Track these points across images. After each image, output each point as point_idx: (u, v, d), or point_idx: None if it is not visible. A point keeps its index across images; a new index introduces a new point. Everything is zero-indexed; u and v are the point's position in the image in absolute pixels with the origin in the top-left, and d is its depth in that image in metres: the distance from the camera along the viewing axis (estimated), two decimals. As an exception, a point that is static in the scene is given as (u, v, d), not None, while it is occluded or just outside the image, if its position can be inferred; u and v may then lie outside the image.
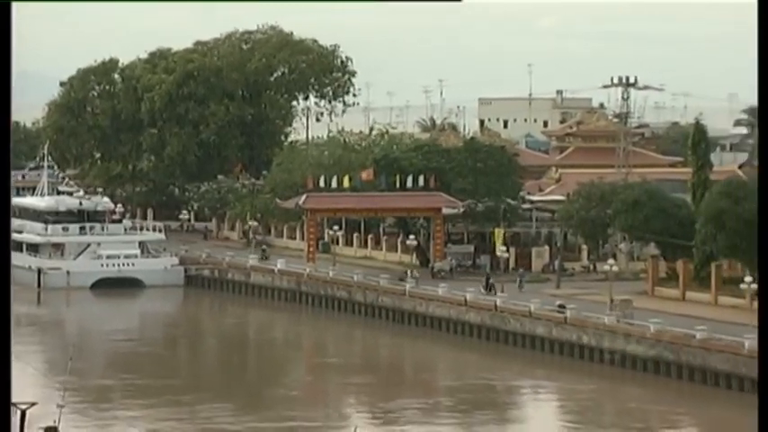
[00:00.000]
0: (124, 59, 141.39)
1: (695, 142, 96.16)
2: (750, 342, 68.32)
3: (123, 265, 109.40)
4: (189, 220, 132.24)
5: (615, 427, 65.68)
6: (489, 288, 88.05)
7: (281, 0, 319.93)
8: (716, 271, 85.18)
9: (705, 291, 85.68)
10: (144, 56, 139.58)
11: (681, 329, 73.45)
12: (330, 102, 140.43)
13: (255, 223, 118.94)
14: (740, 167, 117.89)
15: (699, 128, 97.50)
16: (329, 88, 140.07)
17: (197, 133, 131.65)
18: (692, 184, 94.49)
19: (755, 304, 77.33)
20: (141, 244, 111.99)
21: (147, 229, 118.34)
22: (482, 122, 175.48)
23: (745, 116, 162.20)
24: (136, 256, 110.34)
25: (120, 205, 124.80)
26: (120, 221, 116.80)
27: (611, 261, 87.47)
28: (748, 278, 77.66)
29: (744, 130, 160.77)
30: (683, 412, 68.16)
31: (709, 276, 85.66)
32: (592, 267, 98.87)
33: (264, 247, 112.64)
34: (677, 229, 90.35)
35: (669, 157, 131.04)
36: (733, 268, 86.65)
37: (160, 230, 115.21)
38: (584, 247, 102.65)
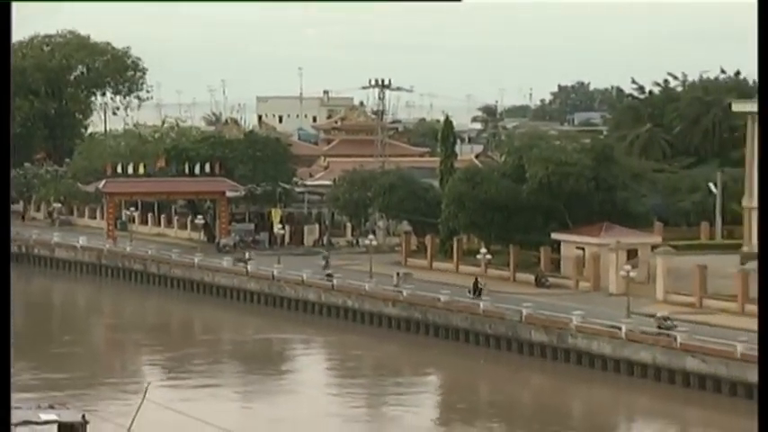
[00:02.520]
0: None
1: (444, 135, 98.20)
2: (484, 303, 71.90)
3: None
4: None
5: (374, 372, 68.19)
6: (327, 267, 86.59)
7: (279, 0, 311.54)
8: (457, 244, 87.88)
9: (449, 261, 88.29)
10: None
11: (428, 293, 75.95)
12: (125, 97, 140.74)
13: (59, 205, 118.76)
14: (477, 157, 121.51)
15: (447, 123, 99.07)
16: (124, 85, 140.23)
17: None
18: (439, 170, 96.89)
19: (489, 271, 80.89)
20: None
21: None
22: (260, 117, 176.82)
23: (480, 113, 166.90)
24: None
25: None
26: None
27: (371, 236, 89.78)
28: (483, 250, 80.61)
29: (479, 126, 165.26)
30: (429, 362, 70.52)
31: (452, 249, 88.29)
32: (355, 242, 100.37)
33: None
34: (426, 209, 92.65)
35: (419, 147, 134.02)
36: (471, 241, 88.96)
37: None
38: (349, 224, 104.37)
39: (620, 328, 64.16)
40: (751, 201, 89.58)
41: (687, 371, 60.22)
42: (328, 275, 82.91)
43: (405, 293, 76.55)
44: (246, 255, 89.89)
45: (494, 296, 73.60)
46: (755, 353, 57.65)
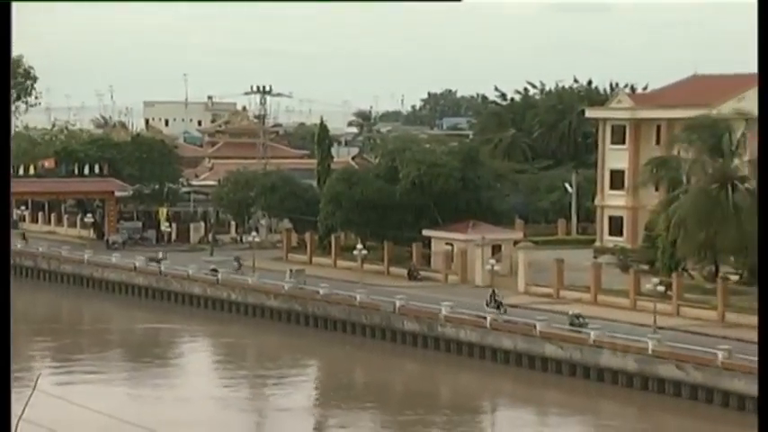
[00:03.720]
0: None
1: (320, 139, 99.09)
2: (361, 296, 72.46)
3: None
4: None
5: (255, 360, 68.38)
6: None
7: (276, 0, 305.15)
8: (335, 241, 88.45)
9: (327, 256, 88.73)
10: None
11: (309, 287, 76.15)
12: (14, 102, 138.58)
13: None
14: (353, 159, 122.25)
15: (323, 127, 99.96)
16: (14, 91, 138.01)
17: None
18: (317, 172, 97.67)
19: (366, 266, 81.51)
20: None
21: None
22: (147, 121, 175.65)
23: (355, 118, 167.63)
24: None
25: None
26: None
27: (254, 234, 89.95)
28: (359, 246, 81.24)
29: (355, 130, 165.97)
30: (308, 351, 70.72)
31: (330, 245, 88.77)
32: (239, 239, 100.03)
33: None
34: (306, 207, 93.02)
35: (298, 150, 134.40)
36: (348, 238, 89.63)
37: None
38: (233, 222, 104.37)
39: (485, 318, 65.25)
40: (602, 200, 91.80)
41: (546, 356, 61.38)
42: (213, 270, 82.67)
43: (296, 288, 75.88)
44: (160, 254, 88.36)
45: (369, 289, 74.13)
46: (607, 339, 59.36)
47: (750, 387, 51.76)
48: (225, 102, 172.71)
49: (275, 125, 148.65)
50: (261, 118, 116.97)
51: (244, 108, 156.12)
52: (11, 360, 31.51)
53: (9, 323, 32.24)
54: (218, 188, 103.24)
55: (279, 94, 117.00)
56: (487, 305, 65.47)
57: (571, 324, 61.56)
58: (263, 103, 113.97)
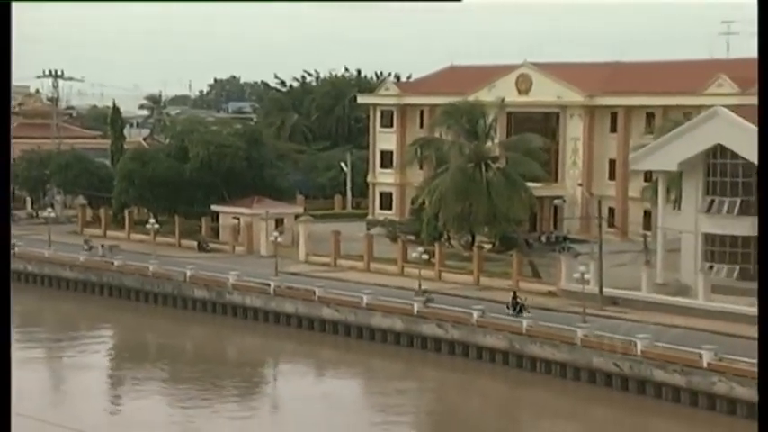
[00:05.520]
0: None
1: (113, 120, 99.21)
2: (153, 266, 73.02)
3: None
4: None
5: (52, 326, 68.02)
6: None
7: (273, 0, 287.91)
8: (129, 216, 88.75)
9: (121, 230, 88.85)
10: None
11: (98, 258, 76.23)
12: None
13: None
14: (144, 140, 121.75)
15: (115, 109, 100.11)
16: None
17: None
18: (110, 151, 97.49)
19: (158, 239, 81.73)
20: None
21: None
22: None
23: (146, 102, 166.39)
24: None
25: None
26: None
27: (49, 209, 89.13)
28: (152, 220, 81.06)
29: (146, 113, 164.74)
30: (103, 318, 70.62)
31: (124, 219, 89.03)
32: (35, 214, 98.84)
33: None
34: (100, 184, 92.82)
35: (92, 131, 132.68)
36: (141, 213, 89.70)
37: None
38: (29, 199, 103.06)
39: (269, 285, 66.98)
40: (374, 177, 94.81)
41: (324, 319, 63.59)
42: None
43: (91, 260, 75.86)
44: None
45: (161, 260, 74.83)
46: (378, 302, 61.90)
47: (501, 342, 55.25)
48: (19, 85, 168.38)
49: (68, 108, 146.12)
50: (54, 100, 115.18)
51: (37, 91, 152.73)
52: (10, 360, 30.99)
53: (9, 323, 31.55)
54: (13, 166, 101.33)
55: (71, 78, 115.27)
56: (508, 308, 57.89)
57: (425, 300, 59.85)
58: (55, 87, 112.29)
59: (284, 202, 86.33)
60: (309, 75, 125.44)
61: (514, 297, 58.74)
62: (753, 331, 53.73)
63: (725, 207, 60.33)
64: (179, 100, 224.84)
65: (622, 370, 50.13)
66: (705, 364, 47.61)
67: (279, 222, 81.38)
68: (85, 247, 78.86)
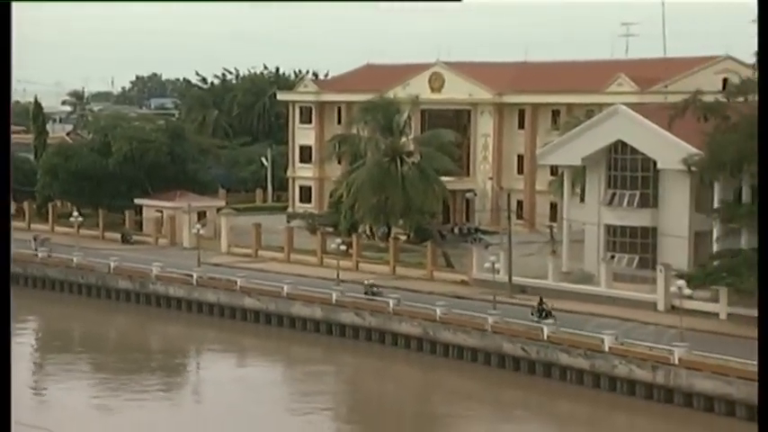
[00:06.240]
0: None
1: (35, 115, 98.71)
2: (77, 258, 72.83)
3: None
4: None
5: None
6: None
7: (272, 0, 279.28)
8: (53, 209, 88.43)
9: (45, 223, 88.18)
10: None
11: (28, 251, 75.51)
12: None
13: None
14: (68, 135, 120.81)
15: (37, 105, 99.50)
16: None
17: None
18: (34, 146, 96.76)
19: (82, 231, 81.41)
20: None
21: None
22: None
23: (68, 98, 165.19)
24: None
25: None
26: None
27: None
28: (76, 213, 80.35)
29: (69, 108, 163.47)
30: (27, 309, 69.45)
31: (47, 212, 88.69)
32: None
33: None
34: (24, 178, 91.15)
35: (15, 126, 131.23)
36: (65, 206, 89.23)
37: None
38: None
39: (191, 276, 67.37)
40: (294, 171, 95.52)
41: (246, 308, 64.15)
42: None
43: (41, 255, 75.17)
44: None
45: (85, 252, 74.66)
46: (298, 292, 62.66)
47: (415, 329, 56.38)
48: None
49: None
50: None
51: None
52: (10, 359, 30.46)
53: (9, 323, 31.05)
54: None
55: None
56: (532, 314, 54.60)
57: (365, 293, 60.49)
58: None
59: (207, 195, 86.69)
60: (230, 72, 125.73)
61: (540, 303, 54.94)
62: (650, 317, 55.91)
63: (625, 200, 62.08)
64: (101, 96, 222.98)
65: (530, 354, 51.51)
66: (607, 348, 49.12)
67: (201, 215, 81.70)
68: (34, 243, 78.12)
